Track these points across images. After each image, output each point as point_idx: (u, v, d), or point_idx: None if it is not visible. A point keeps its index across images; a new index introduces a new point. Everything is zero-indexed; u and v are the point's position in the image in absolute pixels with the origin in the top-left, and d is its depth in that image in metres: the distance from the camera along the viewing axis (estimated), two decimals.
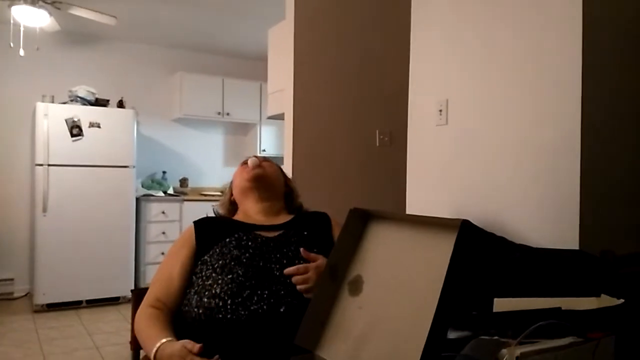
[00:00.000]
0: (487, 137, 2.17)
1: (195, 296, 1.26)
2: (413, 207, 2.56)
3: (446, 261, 0.75)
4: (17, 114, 4.76)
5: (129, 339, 1.55)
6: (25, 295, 4.68)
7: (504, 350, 0.73)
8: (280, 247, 1.31)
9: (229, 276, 1.23)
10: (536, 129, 1.94)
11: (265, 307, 1.15)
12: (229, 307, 1.18)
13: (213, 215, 1.60)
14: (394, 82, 3.34)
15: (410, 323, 0.80)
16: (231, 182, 1.62)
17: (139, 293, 1.64)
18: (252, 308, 1.16)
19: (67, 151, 4.37)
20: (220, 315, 1.18)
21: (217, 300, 1.20)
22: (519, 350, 0.67)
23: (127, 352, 1.53)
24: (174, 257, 1.37)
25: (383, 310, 0.83)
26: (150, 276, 4.82)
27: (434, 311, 0.74)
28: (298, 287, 1.12)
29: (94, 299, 4.47)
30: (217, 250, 1.32)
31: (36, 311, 4.23)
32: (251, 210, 1.49)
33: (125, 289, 4.58)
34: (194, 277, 1.32)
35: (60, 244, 4.34)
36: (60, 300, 4.33)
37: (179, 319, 1.32)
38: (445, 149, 2.39)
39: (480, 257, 1.30)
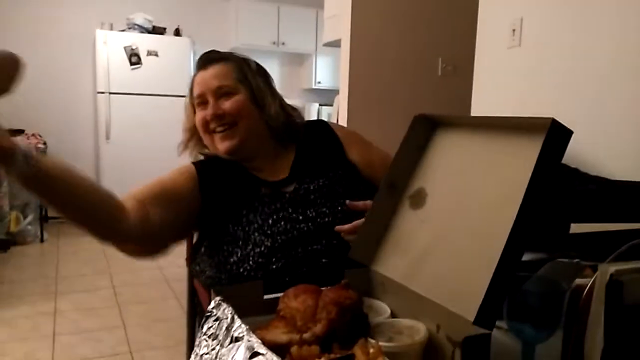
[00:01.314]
0: (565, 61, 1.95)
1: (221, 268, 1.13)
2: None
3: (527, 170, 0.65)
4: (78, 42, 4.84)
5: (185, 257, 1.57)
6: None
7: (589, 273, 0.64)
8: (301, 204, 1.15)
9: (256, 249, 1.08)
10: (623, 53, 1.72)
11: (305, 269, 1.06)
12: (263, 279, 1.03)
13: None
14: (459, 6, 3.10)
15: (480, 239, 0.71)
16: (188, 118, 1.27)
17: None
18: (291, 274, 1.05)
19: (126, 79, 4.43)
20: (276, 265, 1.07)
21: (245, 277, 1.07)
22: (613, 268, 0.58)
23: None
24: (176, 177, 1.20)
25: (449, 225, 0.75)
26: None
27: (508, 226, 0.65)
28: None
29: None
30: (233, 219, 1.13)
31: None
32: (253, 161, 1.23)
33: None
34: (210, 246, 1.19)
35: (123, 170, 4.49)
36: None
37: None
38: (517, 74, 2.19)
39: (558, 182, 1.18)
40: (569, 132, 0.63)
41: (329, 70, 5.65)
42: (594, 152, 1.84)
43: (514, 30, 2.19)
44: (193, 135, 1.26)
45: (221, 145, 1.18)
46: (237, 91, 1.19)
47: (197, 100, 1.19)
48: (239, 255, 1.09)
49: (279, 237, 1.09)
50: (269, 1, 5.38)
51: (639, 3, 1.67)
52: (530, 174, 0.64)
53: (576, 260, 0.77)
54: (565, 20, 1.95)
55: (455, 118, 0.81)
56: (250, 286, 0.74)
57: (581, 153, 1.88)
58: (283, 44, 5.45)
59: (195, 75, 1.23)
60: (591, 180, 1.72)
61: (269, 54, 5.68)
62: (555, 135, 0.62)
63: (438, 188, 0.79)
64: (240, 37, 5.29)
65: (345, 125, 3.10)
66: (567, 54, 1.95)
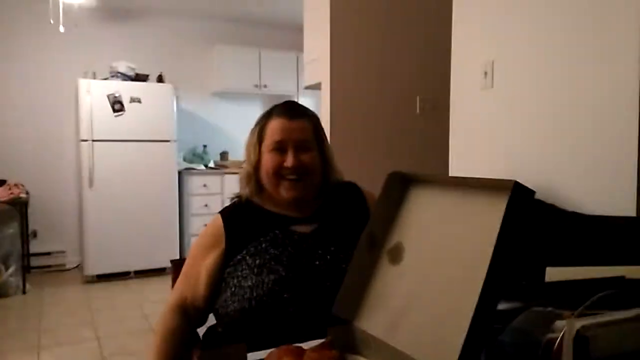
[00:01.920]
0: (536, 100, 2.03)
1: (233, 297, 1.21)
2: (456, 174, 2.46)
3: (495, 226, 0.68)
4: (62, 91, 4.87)
5: None
6: (77, 266, 4.87)
7: (562, 322, 0.67)
8: (319, 244, 1.24)
9: (271, 276, 1.17)
10: (590, 90, 1.80)
11: (312, 303, 1.13)
12: (271, 306, 1.14)
13: (236, 197, 1.40)
14: (436, 46, 3.21)
15: (455, 292, 0.74)
16: (251, 157, 1.34)
17: (178, 264, 1.66)
18: (297, 306, 1.14)
19: (110, 126, 4.45)
20: (263, 315, 1.15)
21: (257, 301, 1.16)
22: (579, 323, 0.61)
23: None
24: (201, 257, 1.29)
25: (426, 279, 0.78)
26: None
27: (482, 280, 0.68)
28: None
29: (141, 270, 4.60)
30: (252, 249, 1.24)
31: (87, 282, 4.40)
32: (281, 200, 1.32)
33: (170, 260, 4.68)
34: (227, 278, 1.25)
35: (107, 217, 4.47)
36: (110, 272, 4.48)
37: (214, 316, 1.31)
38: (491, 114, 2.27)
39: (531, 224, 1.22)
40: (531, 192, 0.67)
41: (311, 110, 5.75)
42: (569, 188, 1.90)
43: (485, 72, 2.28)
44: (251, 174, 1.33)
45: (287, 193, 1.27)
46: (313, 148, 1.30)
47: (275, 146, 1.27)
48: (253, 280, 1.18)
49: (293, 269, 1.18)
50: (250, 46, 5.50)
51: (606, 43, 1.76)
52: (497, 230, 0.68)
53: (550, 309, 0.80)
54: (534, 63, 2.04)
55: (428, 176, 0.85)
56: (234, 349, 0.75)
57: (557, 189, 1.94)
58: (265, 86, 5.54)
59: (273, 121, 1.30)
60: (567, 216, 1.77)
61: (251, 97, 5.77)
62: (518, 195, 0.66)
63: (415, 243, 0.82)
64: (223, 82, 5.38)
65: None
66: (537, 94, 2.03)
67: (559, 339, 0.62)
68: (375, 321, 0.81)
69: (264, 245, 1.24)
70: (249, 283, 1.18)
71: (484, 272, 0.68)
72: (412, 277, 0.79)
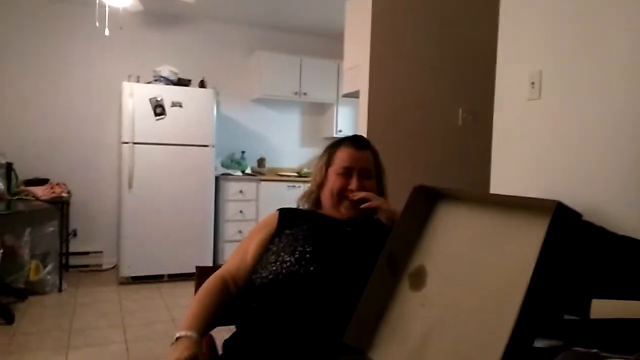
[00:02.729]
0: (587, 113, 1.89)
1: (273, 257, 1.30)
2: (498, 192, 2.32)
3: (533, 252, 0.58)
4: (106, 93, 4.99)
5: None
6: (113, 267, 4.94)
7: None
8: (356, 238, 1.34)
9: (307, 248, 1.26)
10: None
11: (338, 286, 1.16)
12: (310, 274, 1.20)
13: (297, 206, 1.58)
14: (479, 57, 3.08)
15: (484, 326, 0.64)
16: (316, 175, 1.54)
17: (201, 271, 1.63)
18: (325, 283, 1.18)
19: (150, 130, 4.51)
20: (301, 281, 1.20)
21: (298, 264, 1.23)
22: None
23: None
24: (252, 237, 1.43)
25: (450, 310, 0.68)
26: (228, 253, 4.91)
27: (515, 312, 0.58)
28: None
29: (174, 274, 4.62)
30: (296, 228, 1.36)
31: (121, 283, 4.44)
32: (336, 215, 1.47)
33: (204, 265, 4.69)
34: (271, 245, 1.36)
35: (144, 219, 4.51)
36: (144, 274, 4.51)
37: (247, 290, 1.36)
38: (537, 127, 2.13)
39: (577, 249, 1.10)
40: (577, 215, 0.57)
41: (350, 119, 5.68)
42: (621, 210, 1.74)
43: (533, 83, 2.15)
44: (313, 192, 1.53)
45: (347, 211, 1.43)
46: (373, 176, 1.49)
47: (342, 170, 1.46)
48: (292, 249, 1.28)
49: (330, 249, 1.28)
50: (291, 54, 5.49)
51: None
52: (536, 256, 0.58)
53: (595, 350, 0.69)
54: (585, 72, 1.90)
55: (457, 191, 0.75)
56: None
57: (607, 211, 1.78)
58: (305, 94, 5.51)
59: (343, 149, 1.49)
60: (618, 240, 1.61)
61: (291, 104, 5.75)
62: (562, 217, 0.56)
63: (439, 267, 0.73)
64: (264, 88, 5.38)
65: None
66: (588, 106, 1.89)
67: None
68: (391, 354, 0.71)
69: (310, 227, 1.36)
70: (292, 247, 1.29)
71: (519, 305, 0.58)
72: (435, 307, 0.70)
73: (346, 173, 1.45)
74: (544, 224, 0.58)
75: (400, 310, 0.74)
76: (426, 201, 0.78)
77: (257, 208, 5.07)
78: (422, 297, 0.72)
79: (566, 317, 0.84)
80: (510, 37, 2.31)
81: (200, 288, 1.35)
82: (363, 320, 0.76)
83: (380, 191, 1.51)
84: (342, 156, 1.48)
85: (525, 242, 0.61)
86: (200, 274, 1.60)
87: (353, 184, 1.43)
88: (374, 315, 0.76)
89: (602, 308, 0.89)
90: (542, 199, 0.58)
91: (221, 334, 1.39)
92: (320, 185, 1.50)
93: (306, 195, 1.56)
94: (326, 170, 1.49)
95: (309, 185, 1.57)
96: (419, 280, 0.74)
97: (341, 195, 1.44)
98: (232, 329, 1.36)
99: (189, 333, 1.15)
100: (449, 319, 0.67)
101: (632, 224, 1.67)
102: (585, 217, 1.61)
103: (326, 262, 1.23)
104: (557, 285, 0.67)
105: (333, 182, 1.46)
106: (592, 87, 1.87)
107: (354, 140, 1.52)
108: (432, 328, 0.68)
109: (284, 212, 1.46)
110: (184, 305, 3.87)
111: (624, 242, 1.57)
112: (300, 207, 1.56)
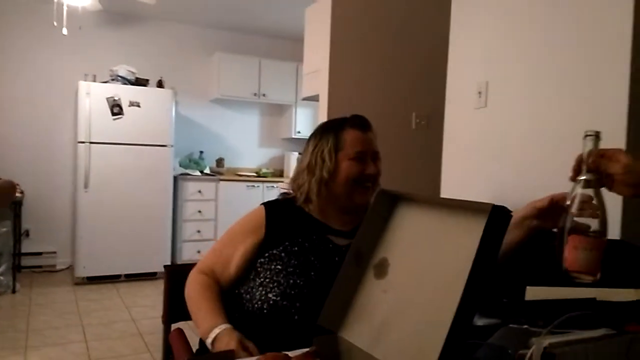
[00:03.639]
0: (528, 121, 2.09)
1: (261, 289, 1.27)
2: (448, 192, 2.51)
3: (474, 246, 0.72)
4: (61, 93, 4.91)
5: (162, 313, 1.59)
6: (67, 268, 4.87)
7: (532, 340, 0.71)
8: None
9: (302, 279, 1.24)
10: (580, 114, 1.86)
11: None
12: (297, 309, 1.21)
13: (284, 192, 1.49)
14: (432, 64, 3.27)
15: (435, 308, 0.78)
16: (327, 164, 1.37)
17: (171, 269, 1.68)
18: (312, 306, 1.16)
19: (107, 129, 4.48)
20: (287, 316, 1.20)
21: (286, 300, 1.22)
22: (547, 340, 0.65)
23: (162, 325, 1.57)
24: (238, 241, 1.36)
25: (408, 295, 0.81)
26: (187, 253, 4.94)
27: (459, 296, 0.72)
28: None
29: (132, 274, 4.61)
30: (289, 248, 1.31)
31: (77, 283, 4.40)
32: (332, 213, 1.40)
33: (161, 264, 4.64)
34: (259, 267, 1.32)
35: (100, 219, 4.48)
36: (100, 274, 4.48)
37: (230, 300, 1.35)
38: (484, 133, 2.32)
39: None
40: (509, 215, 0.71)
41: (308, 121, 5.80)
42: None
43: (479, 92, 2.34)
44: (323, 180, 1.36)
45: (361, 198, 1.35)
46: (380, 158, 1.42)
47: (356, 155, 1.35)
48: (285, 278, 1.25)
49: (323, 277, 1.24)
50: (250, 55, 5.56)
51: (595, 66, 1.81)
52: (475, 249, 0.72)
53: (525, 326, 0.83)
54: (527, 85, 2.09)
55: (413, 195, 0.89)
56: (223, 354, 0.78)
57: None
58: (264, 95, 5.60)
59: (349, 132, 1.38)
60: (553, 236, 1.81)
61: (249, 105, 5.82)
62: (496, 217, 0.70)
63: (399, 259, 0.86)
64: (222, 89, 5.43)
65: None
66: (528, 115, 2.08)
67: (528, 355, 0.66)
68: (359, 333, 0.84)
69: (301, 247, 1.31)
70: (280, 279, 1.25)
71: (461, 290, 0.71)
72: (396, 292, 0.83)
73: (360, 158, 1.36)
74: (481, 222, 0.71)
75: (366, 296, 0.86)
76: (388, 203, 0.91)
77: (216, 208, 5.12)
78: (385, 285, 0.85)
79: (504, 300, 0.99)
80: (460, 49, 2.49)
81: (191, 286, 1.34)
82: (334, 305, 0.88)
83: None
84: (351, 140, 1.37)
85: (468, 237, 0.75)
86: (170, 274, 1.64)
87: (370, 168, 1.35)
88: (344, 301, 0.88)
89: (534, 293, 1.05)
90: (481, 202, 0.72)
91: (186, 326, 1.47)
92: (331, 174, 1.36)
93: (312, 186, 1.37)
94: (336, 156, 1.36)
95: (305, 172, 1.40)
96: (382, 270, 0.86)
97: (358, 181, 1.35)
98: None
99: (222, 326, 1.16)
100: (407, 303, 0.80)
101: None
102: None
103: (314, 296, 1.20)
104: (495, 273, 0.81)
105: (348, 168, 1.34)
106: (529, 97, 2.07)
107: (360, 122, 1.41)
108: (393, 310, 0.81)
109: (271, 212, 1.37)
110: (144, 304, 3.89)
111: (555, 236, 1.77)
112: (289, 195, 1.44)
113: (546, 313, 0.88)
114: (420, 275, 0.82)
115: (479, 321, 0.93)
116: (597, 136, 0.98)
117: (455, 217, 0.80)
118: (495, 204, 0.71)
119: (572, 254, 0.94)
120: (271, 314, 1.23)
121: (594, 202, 0.95)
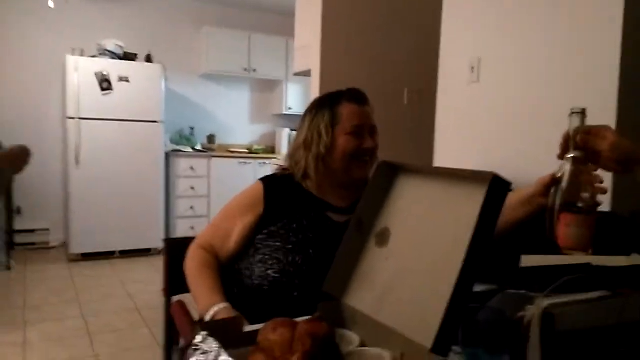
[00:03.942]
0: (520, 96, 2.11)
1: (260, 265, 1.29)
2: (441, 164, 2.54)
3: (474, 215, 0.75)
4: (48, 67, 4.83)
5: (162, 287, 1.61)
6: (61, 245, 4.87)
7: (535, 300, 0.74)
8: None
9: (301, 255, 1.26)
10: (571, 88, 1.88)
11: None
12: (297, 286, 1.23)
13: (282, 169, 1.46)
14: (425, 39, 3.26)
15: (436, 275, 0.80)
16: (324, 138, 1.36)
17: (171, 243, 1.70)
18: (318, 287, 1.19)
19: (97, 105, 4.44)
20: (287, 292, 1.23)
21: (285, 277, 1.25)
22: (546, 302, 0.68)
23: (159, 300, 1.59)
24: (237, 216, 1.35)
25: (410, 262, 0.84)
26: (180, 230, 4.96)
27: (459, 263, 0.75)
28: None
29: (126, 250, 4.63)
30: (288, 225, 1.31)
31: (71, 260, 4.41)
32: (330, 189, 1.40)
33: (156, 241, 4.73)
34: (258, 244, 1.33)
35: (93, 195, 4.47)
36: (95, 251, 4.49)
37: (230, 275, 1.36)
38: (476, 107, 2.34)
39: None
40: (508, 184, 0.74)
41: (299, 97, 5.77)
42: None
43: (472, 68, 2.35)
44: (320, 155, 1.36)
45: (359, 172, 1.35)
46: (377, 132, 1.41)
47: (353, 130, 1.34)
48: (284, 255, 1.27)
49: (322, 254, 1.26)
50: (240, 29, 5.50)
51: (586, 41, 1.83)
52: (476, 218, 0.74)
53: (523, 291, 0.87)
54: (519, 60, 2.11)
55: (414, 166, 0.91)
56: (232, 322, 0.81)
57: (534, 178, 2.02)
58: (254, 70, 5.55)
59: (346, 106, 1.37)
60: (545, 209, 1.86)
61: (240, 80, 5.77)
62: (496, 186, 0.73)
63: (400, 228, 0.89)
64: (212, 64, 5.38)
65: None
66: (519, 91, 2.11)
67: (528, 316, 0.69)
68: (362, 299, 0.87)
69: (300, 224, 1.31)
70: (280, 256, 1.27)
71: (462, 257, 0.74)
72: (397, 260, 0.86)
73: (357, 132, 1.35)
74: (483, 192, 0.74)
75: (369, 264, 0.89)
76: (389, 174, 0.93)
77: (208, 184, 5.12)
78: (387, 252, 0.87)
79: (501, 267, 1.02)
80: (453, 24, 2.49)
81: (191, 263, 1.34)
82: (338, 273, 0.91)
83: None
84: (348, 114, 1.35)
85: (468, 206, 0.77)
86: (170, 247, 1.66)
87: (368, 142, 1.35)
88: (347, 269, 0.91)
89: (529, 261, 1.08)
90: (482, 171, 0.75)
91: (187, 298, 1.50)
92: (328, 148, 1.35)
93: (310, 162, 1.37)
94: (333, 131, 1.35)
95: (301, 147, 1.39)
96: (383, 239, 0.89)
97: (356, 156, 1.34)
98: None
99: (221, 305, 1.17)
100: (408, 269, 0.83)
101: None
102: (516, 185, 1.84)
103: (313, 273, 1.22)
104: (494, 242, 0.84)
105: (345, 142, 1.34)
106: (521, 72, 2.09)
107: (356, 95, 1.40)
108: (395, 277, 0.84)
109: (269, 187, 1.37)
110: (139, 280, 3.93)
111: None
112: (288, 171, 1.43)
113: (543, 278, 0.91)
114: (421, 243, 0.84)
115: (477, 287, 0.96)
116: (583, 113, 0.99)
117: (456, 187, 0.82)
118: (496, 173, 0.73)
119: (564, 231, 0.97)
120: (271, 290, 1.26)
121: (583, 178, 0.98)
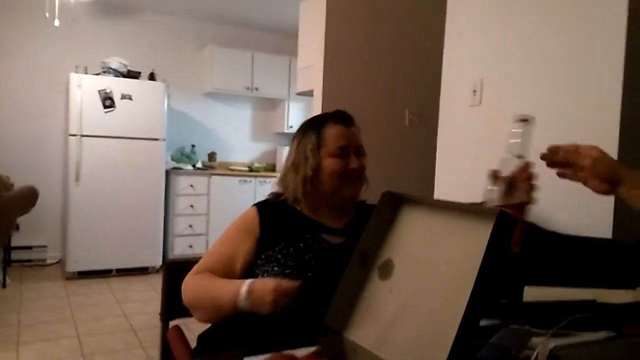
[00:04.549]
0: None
1: None
2: (441, 188, 2.53)
3: (480, 249, 0.73)
4: (51, 84, 4.86)
5: (159, 310, 1.59)
6: (58, 262, 4.83)
7: (537, 341, 0.72)
8: (345, 257, 1.24)
9: (300, 280, 1.21)
10: (573, 112, 1.88)
11: None
12: (296, 310, 1.18)
13: (274, 195, 1.46)
14: (427, 61, 3.28)
15: (441, 309, 0.79)
16: (310, 161, 1.37)
17: (170, 266, 1.68)
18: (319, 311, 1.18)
19: (99, 122, 4.44)
20: (287, 317, 1.18)
21: None
22: (552, 343, 0.66)
23: (155, 321, 1.57)
24: (237, 242, 1.34)
25: (414, 295, 0.83)
26: (179, 248, 4.93)
27: (465, 298, 0.73)
28: None
29: (123, 268, 4.59)
30: (284, 249, 1.30)
31: (68, 278, 4.37)
32: (322, 210, 1.40)
33: (153, 259, 4.70)
34: (257, 269, 1.31)
35: (91, 213, 4.45)
36: (91, 269, 4.46)
37: None
38: (478, 130, 2.34)
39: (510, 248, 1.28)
40: (514, 220, 0.72)
41: (301, 115, 5.79)
42: (550, 208, 1.96)
43: (474, 90, 2.35)
44: (307, 177, 1.37)
45: (349, 191, 1.37)
46: (364, 154, 1.42)
47: (339, 151, 1.36)
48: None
49: (320, 277, 1.25)
50: (243, 48, 5.54)
51: (590, 67, 1.84)
52: (482, 253, 0.73)
53: (526, 327, 0.85)
54: (522, 83, 2.11)
55: (418, 197, 0.90)
56: (231, 355, 0.79)
57: (538, 209, 2.01)
58: (257, 89, 5.58)
59: (331, 128, 1.39)
60: (547, 235, 1.84)
61: (242, 98, 5.80)
62: (502, 223, 0.72)
63: (404, 260, 0.87)
64: (215, 82, 5.41)
65: None
66: (521, 111, 2.10)
67: (533, 357, 0.67)
68: (364, 333, 0.85)
69: (297, 247, 1.30)
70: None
71: (468, 293, 0.73)
72: (401, 293, 0.84)
73: (343, 153, 1.36)
74: (488, 227, 0.73)
75: (371, 297, 0.88)
76: (392, 204, 0.92)
77: (208, 202, 5.11)
78: (390, 285, 0.86)
79: (503, 301, 1.01)
80: (455, 46, 2.50)
81: (192, 286, 1.29)
82: (340, 305, 0.89)
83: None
84: (333, 135, 1.37)
85: (473, 241, 0.76)
86: (169, 271, 1.64)
87: (354, 162, 1.36)
88: (349, 301, 0.89)
89: (532, 293, 1.07)
90: (487, 207, 0.74)
91: (191, 325, 1.48)
92: (315, 171, 1.36)
93: (298, 184, 1.38)
94: (319, 153, 1.37)
95: (290, 170, 1.41)
96: (387, 271, 0.88)
97: (343, 177, 1.35)
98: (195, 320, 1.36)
99: (249, 280, 1.16)
100: (412, 304, 0.82)
101: (558, 222, 1.90)
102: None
103: (312, 296, 1.19)
104: (497, 275, 0.83)
105: (331, 164, 1.35)
106: (524, 95, 2.09)
107: (341, 117, 1.42)
108: (398, 311, 0.83)
109: (263, 212, 1.37)
110: (135, 299, 3.89)
111: (552, 236, 1.80)
112: (280, 196, 1.43)
113: (547, 314, 0.90)
114: (425, 276, 0.83)
115: (480, 322, 0.94)
116: (527, 120, 1.03)
117: (461, 220, 0.81)
118: (501, 208, 0.72)
119: None
120: (272, 315, 1.22)
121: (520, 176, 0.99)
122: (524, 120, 1.01)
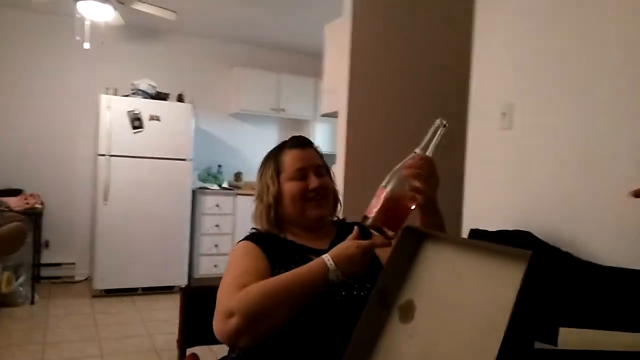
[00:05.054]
0: (556, 143, 2.02)
1: None
2: (471, 214, 2.44)
3: (511, 294, 0.68)
4: (81, 106, 4.97)
5: (177, 337, 1.56)
6: (85, 279, 4.89)
7: None
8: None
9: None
10: (611, 136, 1.80)
11: (330, 335, 1.10)
12: (297, 340, 1.15)
13: (255, 230, 1.43)
14: (455, 83, 3.22)
15: (466, 357, 0.73)
16: (270, 189, 1.38)
17: (187, 291, 1.66)
18: (315, 335, 1.14)
19: (128, 143, 4.51)
20: (286, 338, 1.14)
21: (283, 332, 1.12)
22: None
23: None
24: (254, 257, 1.27)
25: (436, 341, 0.77)
26: (204, 267, 4.93)
27: (495, 349, 0.67)
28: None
29: (149, 287, 4.60)
30: (277, 270, 1.24)
31: (94, 296, 4.41)
32: (301, 233, 1.39)
33: (179, 278, 4.70)
34: None
35: (119, 232, 4.49)
36: (118, 287, 4.49)
37: None
38: (509, 154, 2.26)
39: (546, 281, 1.20)
40: (547, 263, 0.66)
41: (326, 136, 5.76)
42: (586, 237, 1.86)
43: (504, 113, 2.28)
44: (271, 205, 1.38)
45: (314, 212, 1.37)
46: (325, 174, 1.43)
47: (296, 174, 1.37)
48: None
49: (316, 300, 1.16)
50: (269, 70, 5.58)
51: (635, 90, 1.75)
52: (513, 299, 0.67)
53: None
54: (556, 107, 2.03)
55: (441, 234, 0.84)
56: None
57: (573, 238, 1.91)
58: (283, 110, 5.60)
59: (288, 153, 1.41)
60: (582, 265, 1.73)
61: (268, 119, 5.82)
62: (535, 266, 0.66)
63: (426, 301, 0.82)
64: (242, 103, 5.45)
65: (340, 192, 3.15)
66: (558, 139, 2.02)
67: None
68: None
69: (289, 270, 1.20)
70: None
71: (498, 342, 0.67)
72: (422, 339, 0.78)
73: (300, 176, 1.37)
74: (520, 270, 0.67)
75: (391, 341, 0.82)
76: (414, 241, 0.87)
77: (233, 222, 5.11)
78: (411, 329, 0.80)
79: (536, 344, 0.93)
80: (484, 68, 2.45)
81: (257, 289, 1.09)
82: (357, 350, 0.84)
83: (333, 189, 1.45)
84: (289, 160, 1.39)
85: (503, 284, 0.70)
86: (185, 295, 1.62)
87: (313, 182, 1.35)
88: (368, 345, 0.84)
89: (569, 336, 0.99)
90: (518, 249, 0.68)
91: (202, 351, 1.45)
92: (277, 197, 1.37)
93: (263, 214, 1.39)
94: (278, 178, 1.38)
95: (257, 202, 1.43)
96: (407, 313, 0.82)
97: (304, 198, 1.35)
98: (213, 349, 1.34)
99: (323, 255, 1.08)
100: (435, 350, 0.76)
101: (597, 251, 1.79)
102: (554, 242, 1.73)
103: (312, 324, 1.15)
104: (530, 317, 0.76)
105: (290, 187, 1.36)
106: (562, 121, 2.00)
107: (297, 141, 1.44)
108: (420, 357, 0.77)
109: (256, 241, 1.33)
110: (160, 319, 3.88)
111: (587, 267, 1.69)
112: (262, 230, 1.41)
113: None
114: (449, 320, 0.77)
115: None
116: (444, 126, 1.17)
117: (488, 261, 0.75)
118: (534, 251, 0.66)
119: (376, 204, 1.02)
120: (273, 347, 1.16)
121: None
122: (442, 124, 1.15)
